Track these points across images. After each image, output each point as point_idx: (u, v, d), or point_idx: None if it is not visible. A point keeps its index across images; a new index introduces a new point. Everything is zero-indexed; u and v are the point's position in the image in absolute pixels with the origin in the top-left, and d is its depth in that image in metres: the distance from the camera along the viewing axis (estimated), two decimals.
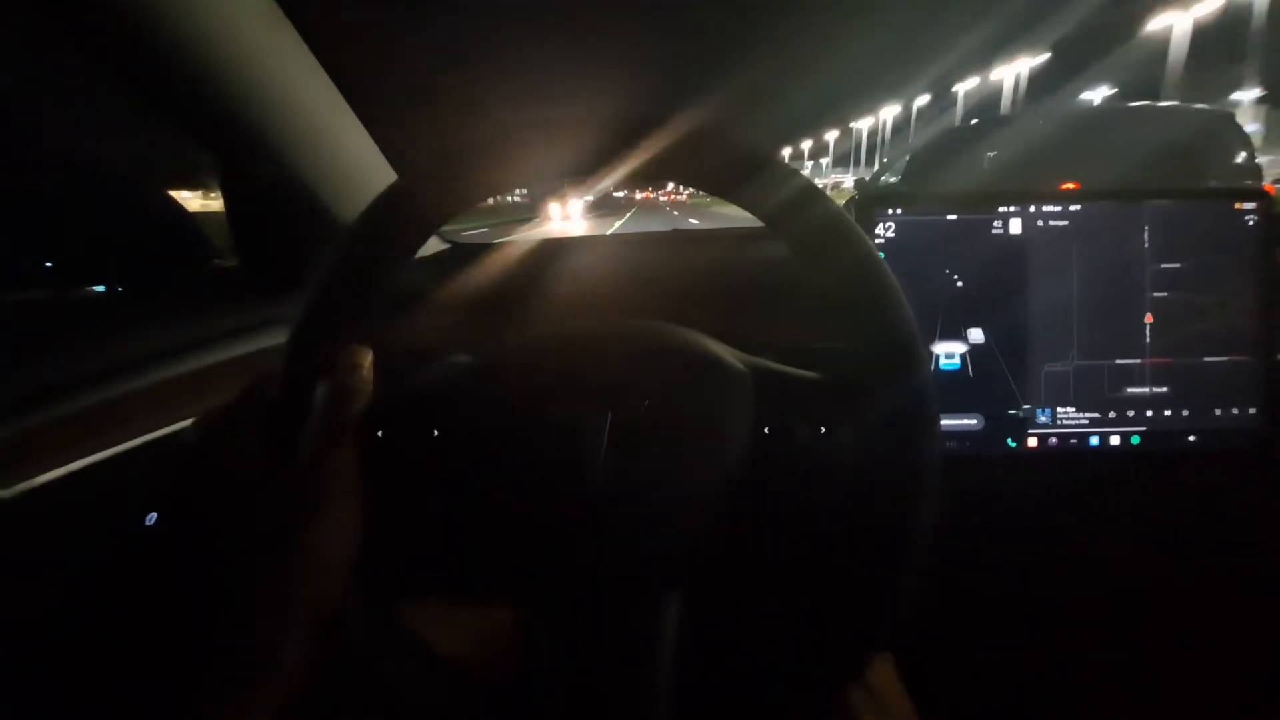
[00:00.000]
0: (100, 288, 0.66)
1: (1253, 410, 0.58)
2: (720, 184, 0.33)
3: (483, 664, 0.44)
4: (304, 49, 0.55)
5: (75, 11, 0.44)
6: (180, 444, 0.45)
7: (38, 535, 0.39)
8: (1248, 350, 0.57)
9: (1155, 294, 0.57)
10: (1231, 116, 4.44)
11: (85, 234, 0.66)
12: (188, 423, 0.46)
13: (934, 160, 5.22)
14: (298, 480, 0.29)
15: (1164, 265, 0.57)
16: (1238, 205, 0.57)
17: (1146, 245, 0.57)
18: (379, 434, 0.32)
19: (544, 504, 0.33)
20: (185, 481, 0.44)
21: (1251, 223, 0.57)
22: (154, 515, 0.42)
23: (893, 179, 6.04)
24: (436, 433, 0.33)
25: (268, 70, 0.53)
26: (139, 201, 0.67)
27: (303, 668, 0.28)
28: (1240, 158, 3.98)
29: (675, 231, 0.81)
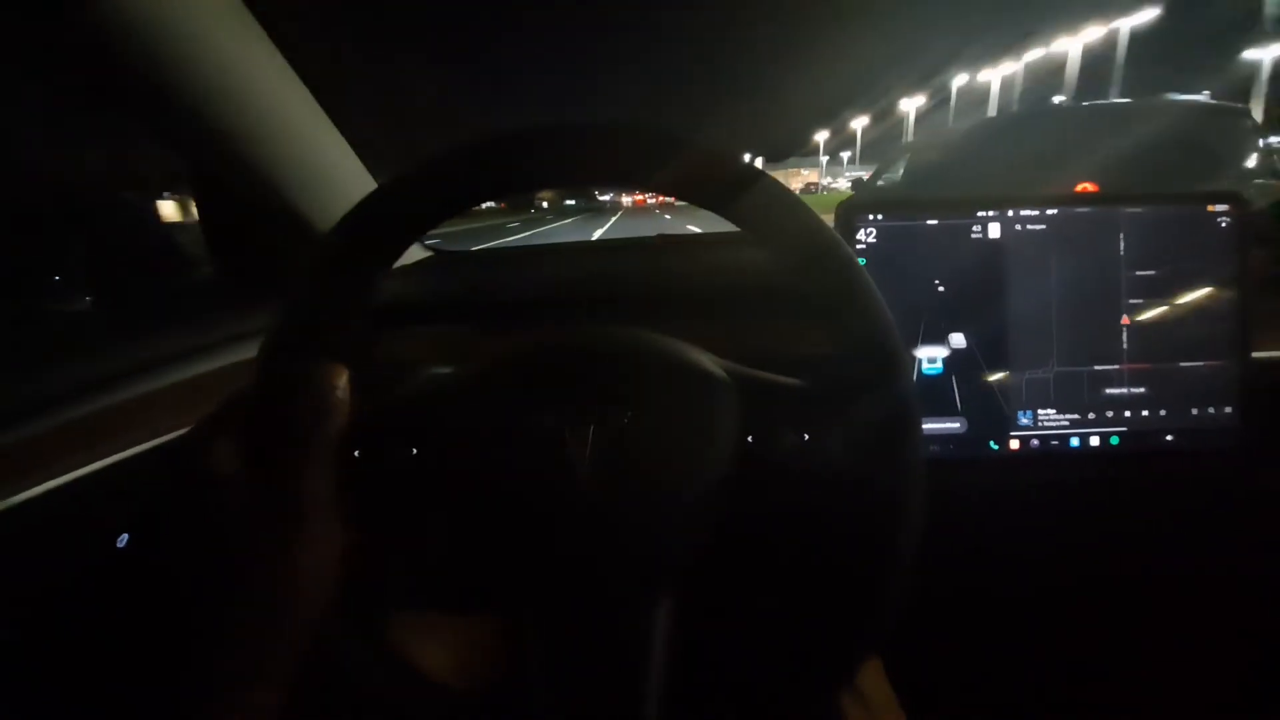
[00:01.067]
0: (87, 299, 0.65)
1: (1229, 409, 0.59)
2: (698, 192, 0.33)
3: (470, 675, 0.43)
4: (279, 57, 0.54)
5: (50, 23, 0.43)
6: (153, 463, 0.44)
7: (7, 556, 0.37)
8: (1223, 351, 0.58)
9: (1132, 300, 0.58)
10: (1245, 110, 4.11)
11: (58, 246, 0.64)
12: (160, 441, 0.45)
13: (935, 161, 5.06)
14: (274, 500, 0.29)
15: (1140, 272, 0.58)
16: (1211, 208, 0.58)
17: (1122, 251, 0.58)
18: (356, 453, 0.32)
19: (528, 517, 0.33)
20: (159, 501, 0.43)
21: (1224, 224, 0.58)
22: (125, 537, 0.41)
23: (892, 177, 5.81)
24: (415, 450, 0.33)
25: (243, 78, 0.52)
26: (113, 212, 0.66)
27: (287, 685, 0.27)
28: (1260, 149, 3.63)
29: (659, 237, 0.81)
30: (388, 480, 0.33)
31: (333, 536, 0.29)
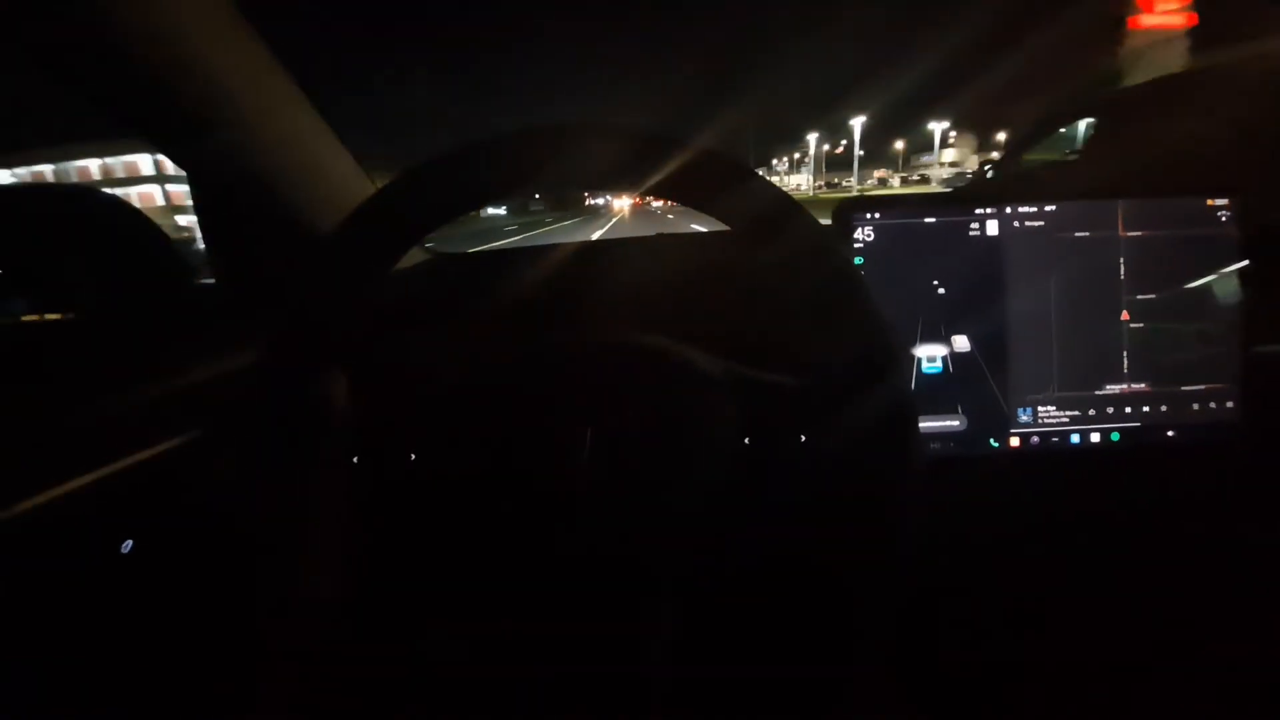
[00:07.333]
0: (70, 313, 0.65)
1: (1230, 405, 0.59)
2: (694, 195, 0.33)
3: (475, 674, 0.43)
4: (276, 64, 0.54)
5: (49, 27, 0.43)
6: (156, 470, 0.44)
7: (12, 563, 0.38)
8: (1224, 362, 0.58)
9: (1132, 304, 0.58)
10: None
11: (61, 256, 0.64)
12: (162, 448, 0.45)
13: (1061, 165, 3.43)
14: (275, 506, 0.29)
15: (1140, 269, 0.58)
16: (1211, 202, 0.58)
17: (1122, 247, 0.57)
18: (354, 460, 0.32)
19: (526, 520, 0.33)
20: (164, 508, 0.43)
21: (1225, 218, 0.58)
22: (129, 543, 0.41)
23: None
24: (414, 456, 0.33)
25: (241, 85, 0.52)
26: (113, 221, 0.66)
27: (291, 689, 0.28)
28: None
29: (658, 236, 0.81)
30: (387, 486, 0.33)
31: (333, 539, 0.30)
